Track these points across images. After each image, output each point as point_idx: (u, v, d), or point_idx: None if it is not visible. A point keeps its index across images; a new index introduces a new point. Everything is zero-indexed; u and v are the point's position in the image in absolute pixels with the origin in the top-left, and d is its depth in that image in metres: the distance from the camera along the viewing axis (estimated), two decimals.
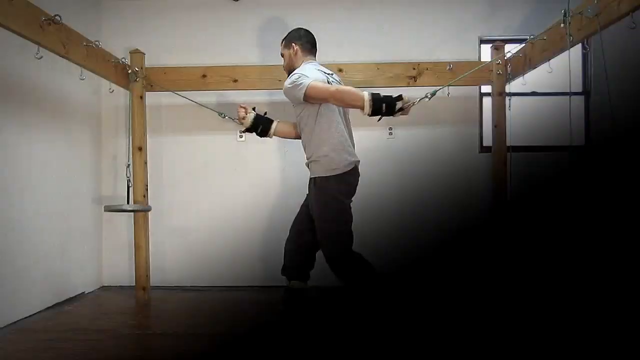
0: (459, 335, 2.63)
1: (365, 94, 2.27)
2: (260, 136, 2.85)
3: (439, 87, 2.57)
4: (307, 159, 2.56)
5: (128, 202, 3.31)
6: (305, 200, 2.67)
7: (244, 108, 2.80)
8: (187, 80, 3.52)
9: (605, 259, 3.71)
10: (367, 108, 2.26)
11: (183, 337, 2.65)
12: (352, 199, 2.57)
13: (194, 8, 4.04)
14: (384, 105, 2.26)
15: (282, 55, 2.72)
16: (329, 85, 2.43)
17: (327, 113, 2.48)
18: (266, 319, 2.88)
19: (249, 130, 2.83)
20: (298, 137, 2.74)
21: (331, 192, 2.45)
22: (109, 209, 3.19)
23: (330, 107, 2.48)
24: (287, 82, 2.49)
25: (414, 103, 2.36)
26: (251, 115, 2.79)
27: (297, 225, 2.66)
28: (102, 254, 4.02)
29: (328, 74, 2.59)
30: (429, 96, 2.42)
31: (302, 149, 2.63)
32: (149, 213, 3.56)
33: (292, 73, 2.52)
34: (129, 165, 3.39)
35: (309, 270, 2.64)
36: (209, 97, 3.77)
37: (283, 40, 2.72)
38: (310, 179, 2.56)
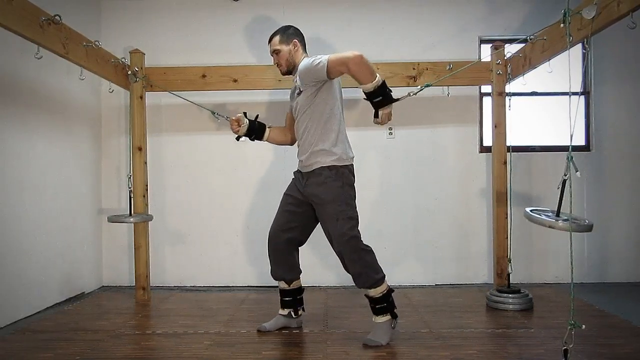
0: None
1: (379, 77, 2.37)
2: (253, 140, 2.92)
3: (417, 89, 2.65)
4: (314, 149, 2.56)
5: (130, 214, 3.26)
6: (286, 201, 2.72)
7: (237, 121, 2.80)
8: (187, 80, 3.51)
9: None
10: (371, 86, 2.36)
11: (183, 337, 2.65)
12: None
13: (193, 8, 4.04)
14: (381, 96, 2.40)
15: (276, 52, 2.66)
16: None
17: (337, 106, 2.60)
18: (266, 319, 2.88)
19: (241, 137, 2.90)
20: (291, 143, 2.92)
21: (347, 179, 2.57)
22: (112, 220, 3.13)
23: (338, 102, 2.60)
24: (305, 64, 2.51)
25: (388, 116, 2.51)
26: (244, 127, 2.82)
27: (285, 226, 2.69)
28: (102, 254, 4.02)
29: None
30: (414, 93, 2.61)
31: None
32: (149, 213, 3.55)
33: (308, 58, 2.53)
34: (130, 176, 3.33)
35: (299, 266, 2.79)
36: (209, 97, 3.77)
37: (276, 35, 2.67)
38: (318, 169, 2.56)
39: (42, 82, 3.25)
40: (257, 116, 2.88)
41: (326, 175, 2.54)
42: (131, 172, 3.37)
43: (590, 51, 3.90)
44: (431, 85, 2.72)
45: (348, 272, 2.56)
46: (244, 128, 2.81)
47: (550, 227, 2.02)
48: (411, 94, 2.58)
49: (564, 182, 2.06)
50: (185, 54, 3.99)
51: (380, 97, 2.40)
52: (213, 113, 3.14)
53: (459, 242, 3.96)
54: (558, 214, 2.08)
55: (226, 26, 4.03)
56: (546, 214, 2.16)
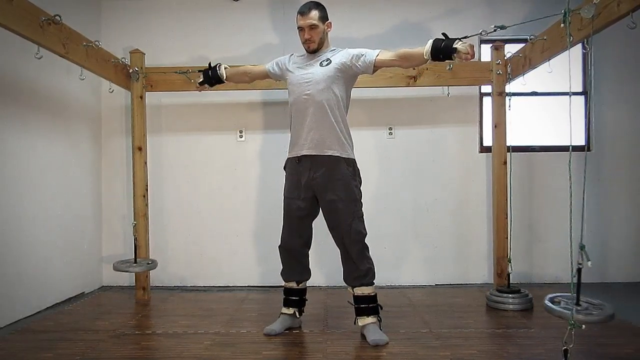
0: None
1: (427, 47, 2.28)
2: (218, 82, 2.89)
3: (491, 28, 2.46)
4: (337, 131, 2.51)
5: (135, 261, 3.25)
6: (293, 207, 2.62)
7: (199, 88, 2.96)
8: (187, 80, 3.50)
9: None
10: (427, 56, 2.29)
11: (183, 337, 2.65)
12: None
13: (193, 8, 4.04)
14: (440, 54, 2.25)
15: (313, 27, 2.52)
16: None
17: None
18: (266, 319, 2.88)
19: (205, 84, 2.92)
20: (248, 82, 2.95)
21: (359, 177, 2.63)
22: (117, 269, 3.13)
23: None
24: (357, 52, 2.55)
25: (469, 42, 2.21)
26: (201, 80, 2.91)
27: (298, 233, 2.67)
28: (102, 254, 4.02)
29: None
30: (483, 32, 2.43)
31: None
32: (149, 213, 3.56)
33: (352, 49, 2.59)
34: (134, 224, 3.36)
35: None
36: (210, 97, 3.78)
37: (315, 9, 2.53)
38: (335, 157, 2.51)
39: (42, 82, 3.25)
40: (209, 64, 2.89)
41: (344, 172, 2.52)
42: (136, 220, 3.41)
43: (590, 51, 3.90)
44: (504, 28, 2.42)
45: (356, 269, 2.54)
46: (201, 81, 2.89)
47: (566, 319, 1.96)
48: (483, 33, 2.44)
49: (579, 270, 2.01)
50: (185, 54, 3.99)
51: (442, 58, 2.27)
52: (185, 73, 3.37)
53: (459, 242, 3.96)
54: (578, 301, 2.02)
55: (226, 26, 4.03)
56: (565, 300, 2.08)
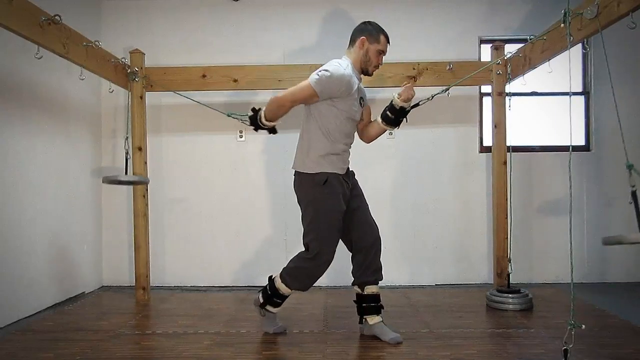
0: None
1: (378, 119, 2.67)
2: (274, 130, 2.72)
3: (438, 92, 2.90)
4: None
5: (126, 173, 3.05)
6: (341, 219, 2.51)
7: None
8: (187, 80, 3.51)
9: None
10: (383, 123, 2.66)
11: (183, 337, 2.65)
12: None
13: (193, 8, 4.04)
14: (390, 114, 2.60)
15: (384, 54, 2.60)
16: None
17: None
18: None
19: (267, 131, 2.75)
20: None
21: None
22: (107, 180, 2.90)
23: None
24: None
25: (417, 104, 2.67)
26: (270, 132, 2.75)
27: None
28: (102, 254, 4.02)
29: None
30: (431, 98, 2.80)
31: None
32: (149, 213, 3.56)
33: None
34: (127, 137, 3.12)
35: None
36: (209, 97, 3.77)
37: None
38: (351, 170, 2.69)
39: (42, 82, 3.25)
40: (252, 109, 2.66)
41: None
42: (128, 134, 3.17)
43: (590, 51, 3.90)
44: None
45: (373, 264, 2.55)
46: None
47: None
48: (420, 103, 2.77)
49: (633, 194, 1.83)
50: (185, 54, 3.99)
51: (395, 119, 2.63)
52: (228, 114, 3.04)
53: (459, 242, 3.96)
54: None
55: (226, 26, 4.03)
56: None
